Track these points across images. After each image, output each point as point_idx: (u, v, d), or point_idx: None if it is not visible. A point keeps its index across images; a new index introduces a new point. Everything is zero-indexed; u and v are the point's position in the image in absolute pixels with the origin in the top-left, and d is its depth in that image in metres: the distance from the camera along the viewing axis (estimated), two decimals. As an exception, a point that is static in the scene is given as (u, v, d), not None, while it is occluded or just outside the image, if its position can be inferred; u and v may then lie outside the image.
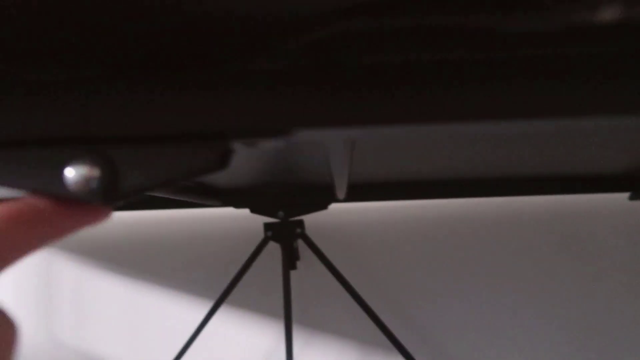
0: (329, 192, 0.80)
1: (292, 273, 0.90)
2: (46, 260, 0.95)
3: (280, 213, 0.80)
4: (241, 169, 0.59)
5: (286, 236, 0.81)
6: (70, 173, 0.19)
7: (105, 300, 0.94)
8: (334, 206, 0.90)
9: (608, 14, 0.17)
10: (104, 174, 0.19)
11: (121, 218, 0.94)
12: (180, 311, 0.93)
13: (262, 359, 0.92)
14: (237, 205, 0.81)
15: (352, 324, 0.91)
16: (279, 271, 0.82)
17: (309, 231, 0.82)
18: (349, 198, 0.82)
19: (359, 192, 0.81)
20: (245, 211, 0.81)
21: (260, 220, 0.81)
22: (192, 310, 0.92)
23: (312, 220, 0.88)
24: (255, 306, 0.92)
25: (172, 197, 0.57)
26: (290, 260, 0.83)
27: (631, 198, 0.83)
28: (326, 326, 0.92)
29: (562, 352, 0.90)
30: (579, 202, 0.90)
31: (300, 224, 0.81)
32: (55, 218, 0.20)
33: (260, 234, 0.81)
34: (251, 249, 0.81)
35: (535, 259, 0.91)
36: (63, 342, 0.94)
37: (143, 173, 0.19)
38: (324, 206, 0.81)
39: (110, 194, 0.19)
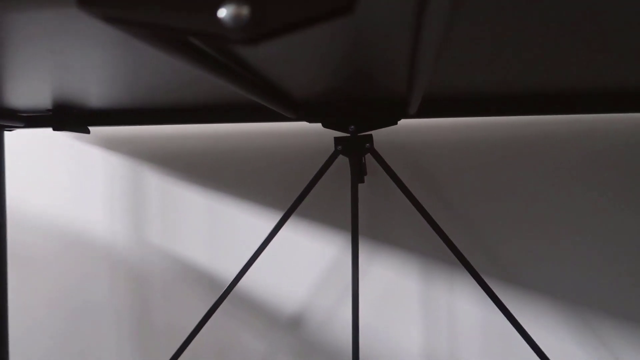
0: (400, 107, 0.82)
1: (360, 187, 0.94)
2: (134, 171, 1.03)
3: (351, 127, 0.83)
4: (314, 69, 0.61)
5: (355, 150, 0.84)
6: (223, 13, 0.22)
7: (188, 206, 1.02)
8: (403, 125, 0.92)
9: None
10: (253, 11, 0.22)
11: (199, 132, 1.00)
12: (255, 219, 0.99)
13: (330, 266, 0.98)
14: (310, 119, 0.85)
15: (416, 237, 0.95)
16: (348, 184, 0.86)
17: (379, 147, 0.84)
18: (419, 114, 0.84)
19: (429, 108, 0.83)
20: (318, 126, 0.85)
21: (331, 135, 0.84)
22: (265, 218, 0.99)
23: (381, 137, 0.91)
24: (324, 217, 0.97)
25: (250, 95, 0.60)
26: (358, 174, 0.86)
27: None
28: (391, 238, 0.96)
29: (621, 266, 0.91)
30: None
31: (369, 138, 0.84)
32: None
33: (331, 149, 0.84)
34: (322, 162, 0.85)
35: (606, 180, 0.90)
36: (151, 243, 1.03)
37: (286, 11, 0.22)
38: (394, 121, 0.83)
39: (258, 30, 0.22)
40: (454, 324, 0.95)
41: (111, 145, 1.03)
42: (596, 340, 0.92)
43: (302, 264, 0.98)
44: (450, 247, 0.82)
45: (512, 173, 0.93)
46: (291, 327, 0.99)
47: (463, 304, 0.94)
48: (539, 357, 0.80)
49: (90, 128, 0.99)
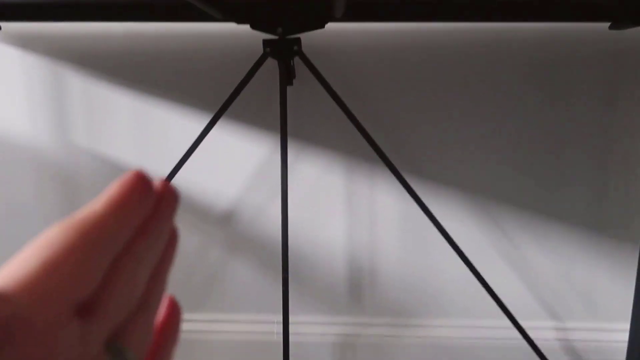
0: (326, 10, 0.83)
1: (289, 90, 0.97)
2: (55, 72, 0.99)
3: (279, 30, 0.83)
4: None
5: (284, 52, 0.85)
6: None
7: (114, 108, 1.00)
8: (330, 28, 0.93)
9: None
10: None
11: (123, 31, 0.96)
12: (185, 120, 1.00)
13: (259, 166, 1.02)
14: (238, 20, 0.84)
15: (342, 138, 1.00)
16: (277, 87, 0.88)
17: (307, 52, 0.86)
18: (344, 18, 0.85)
19: (356, 12, 0.85)
20: (246, 28, 0.84)
21: (260, 39, 0.85)
22: (194, 120, 1.00)
23: (309, 41, 0.92)
24: (254, 119, 1.00)
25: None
26: (287, 76, 0.88)
27: (611, 28, 0.88)
28: (318, 139, 1.01)
29: (519, 163, 1.02)
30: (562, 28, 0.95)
31: (298, 41, 0.85)
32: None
33: (260, 52, 0.85)
34: (251, 65, 0.86)
35: (512, 84, 0.98)
36: (77, 145, 1.02)
37: None
38: (321, 24, 0.84)
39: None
40: (374, 215, 1.04)
41: (27, 44, 0.98)
42: (497, 229, 1.04)
43: (234, 163, 1.02)
44: (372, 145, 0.88)
45: (433, 78, 0.98)
46: (224, 221, 1.05)
47: (383, 197, 1.03)
48: (449, 243, 0.90)
49: (1, 24, 0.92)
